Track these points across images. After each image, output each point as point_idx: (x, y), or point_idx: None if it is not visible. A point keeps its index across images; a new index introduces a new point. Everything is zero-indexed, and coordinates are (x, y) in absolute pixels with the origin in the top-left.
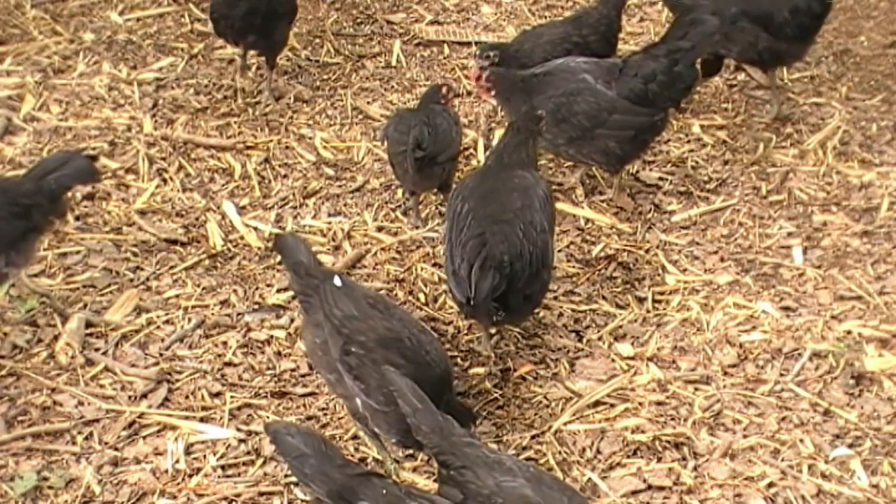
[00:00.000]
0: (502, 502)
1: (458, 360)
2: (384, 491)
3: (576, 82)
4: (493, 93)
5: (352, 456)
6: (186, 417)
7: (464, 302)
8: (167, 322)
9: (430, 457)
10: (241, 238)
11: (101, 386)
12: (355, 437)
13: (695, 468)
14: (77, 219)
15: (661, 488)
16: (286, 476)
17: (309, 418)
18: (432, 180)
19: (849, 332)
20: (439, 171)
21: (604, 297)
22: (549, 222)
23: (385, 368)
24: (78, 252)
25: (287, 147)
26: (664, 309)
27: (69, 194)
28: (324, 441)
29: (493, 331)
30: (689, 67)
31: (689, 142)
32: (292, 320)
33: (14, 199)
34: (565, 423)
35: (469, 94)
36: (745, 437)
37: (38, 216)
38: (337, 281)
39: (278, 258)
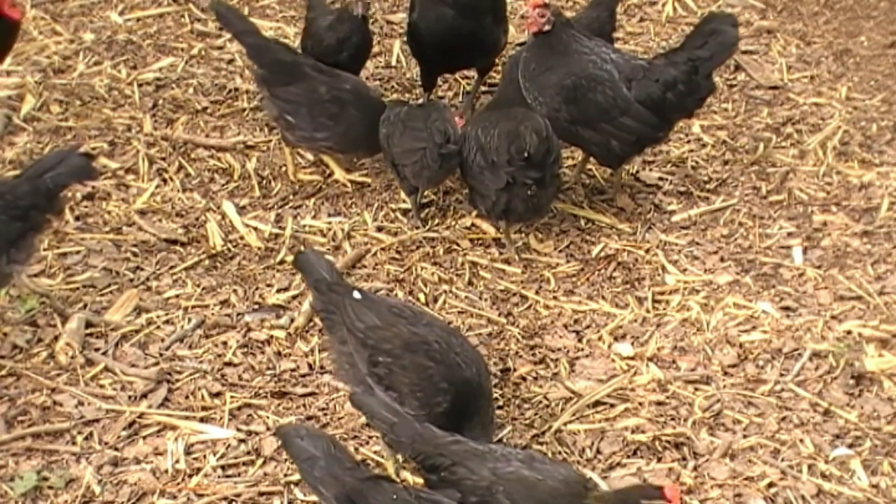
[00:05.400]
0: (504, 489)
1: None
2: (395, 496)
3: (601, 70)
4: (543, 28)
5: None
6: (186, 417)
7: (502, 185)
8: (167, 322)
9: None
10: (241, 238)
11: (101, 386)
12: (356, 437)
13: (695, 468)
14: (77, 219)
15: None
16: (286, 476)
17: (309, 418)
18: (447, 173)
19: (849, 332)
20: (455, 163)
21: (604, 297)
22: None
23: (352, 392)
24: (78, 252)
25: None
26: (664, 309)
27: (66, 192)
28: (333, 443)
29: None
30: (706, 79)
31: (689, 142)
32: (292, 320)
33: (12, 202)
34: (565, 423)
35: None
36: (745, 437)
37: (36, 216)
38: (356, 294)
39: (279, 258)
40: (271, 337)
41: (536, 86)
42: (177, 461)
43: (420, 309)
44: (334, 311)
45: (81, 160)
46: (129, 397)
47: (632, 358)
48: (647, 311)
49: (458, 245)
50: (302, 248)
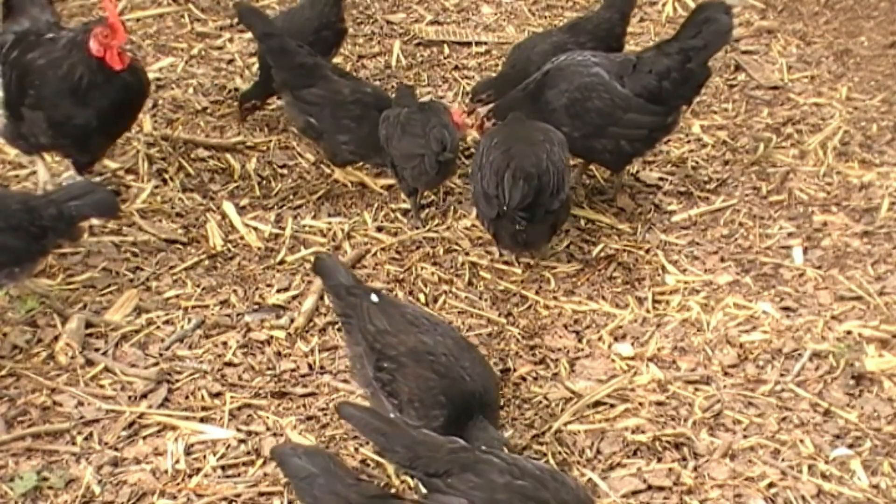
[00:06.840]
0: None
1: None
2: None
3: (589, 76)
4: (492, 119)
5: (352, 456)
6: (186, 417)
7: (492, 216)
8: (167, 322)
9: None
10: (241, 238)
11: (101, 386)
12: (356, 437)
13: (695, 468)
14: None
15: (661, 488)
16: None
17: (309, 418)
18: (445, 177)
19: (849, 333)
20: (453, 168)
21: (604, 297)
22: (565, 158)
23: (340, 403)
24: (78, 252)
25: (287, 147)
26: (664, 309)
27: (85, 223)
28: (332, 459)
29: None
30: (702, 66)
31: (689, 142)
32: (292, 320)
33: (36, 220)
34: (565, 424)
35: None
36: (745, 437)
37: (52, 238)
38: (374, 297)
39: (279, 258)
40: (271, 337)
41: (541, 118)
42: (177, 461)
43: (438, 319)
44: (352, 315)
45: (108, 197)
46: (129, 397)
47: (632, 358)
48: (647, 312)
49: (458, 245)
50: (319, 253)
